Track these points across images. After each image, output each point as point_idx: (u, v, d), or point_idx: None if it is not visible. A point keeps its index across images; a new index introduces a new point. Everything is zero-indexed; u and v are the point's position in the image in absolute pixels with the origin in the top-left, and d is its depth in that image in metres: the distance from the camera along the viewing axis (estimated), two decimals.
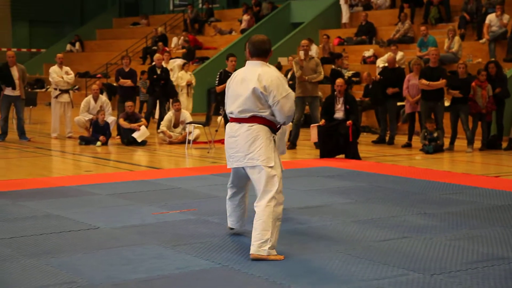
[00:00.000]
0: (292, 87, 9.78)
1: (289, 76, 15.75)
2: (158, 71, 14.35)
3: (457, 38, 15.77)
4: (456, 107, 11.94)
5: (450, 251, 5.24)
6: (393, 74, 12.98)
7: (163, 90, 14.37)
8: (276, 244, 5.06)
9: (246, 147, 5.14)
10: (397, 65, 13.71)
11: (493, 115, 12.26)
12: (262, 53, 5.23)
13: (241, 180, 5.52)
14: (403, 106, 13.99)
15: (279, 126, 5.32)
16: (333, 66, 15.52)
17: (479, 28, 16.56)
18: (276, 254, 5.02)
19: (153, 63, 15.12)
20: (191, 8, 25.64)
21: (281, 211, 5.10)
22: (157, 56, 14.97)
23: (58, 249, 5.29)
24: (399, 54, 16.15)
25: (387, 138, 12.98)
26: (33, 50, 29.91)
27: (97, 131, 12.90)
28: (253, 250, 5.00)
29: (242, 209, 5.71)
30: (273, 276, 4.59)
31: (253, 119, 5.14)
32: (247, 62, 5.37)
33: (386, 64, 13.47)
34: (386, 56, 16.28)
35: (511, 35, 15.54)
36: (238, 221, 5.74)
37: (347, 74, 16.31)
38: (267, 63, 5.27)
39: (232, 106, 5.25)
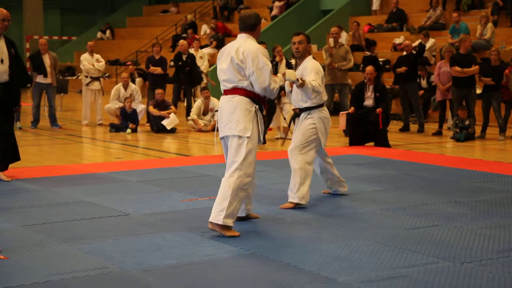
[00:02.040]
0: None
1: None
2: (184, 58, 14.35)
3: (490, 24, 15.53)
4: (488, 94, 11.78)
5: (481, 240, 5.19)
6: (408, 60, 12.76)
7: (188, 77, 14.37)
8: (236, 214, 5.26)
9: (226, 117, 5.38)
10: (414, 51, 13.40)
11: None
12: (247, 27, 5.49)
13: None
14: (429, 93, 13.87)
15: (266, 98, 5.47)
16: (367, 53, 15.35)
17: None
18: (230, 226, 5.22)
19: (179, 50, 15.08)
20: None
21: (247, 182, 5.27)
22: (181, 42, 14.89)
23: (89, 235, 5.35)
24: (430, 41, 15.96)
25: (412, 125, 12.85)
26: (65, 38, 30.18)
27: (126, 119, 12.99)
28: (211, 217, 5.25)
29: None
30: (302, 263, 4.59)
31: (234, 90, 5.36)
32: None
33: (405, 53, 13.34)
34: (416, 43, 16.13)
35: None
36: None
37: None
38: (253, 38, 5.46)
39: (219, 78, 5.51)
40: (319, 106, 6.52)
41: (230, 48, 5.49)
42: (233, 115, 5.32)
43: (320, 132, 6.46)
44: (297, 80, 6.19)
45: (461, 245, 5.06)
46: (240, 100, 5.33)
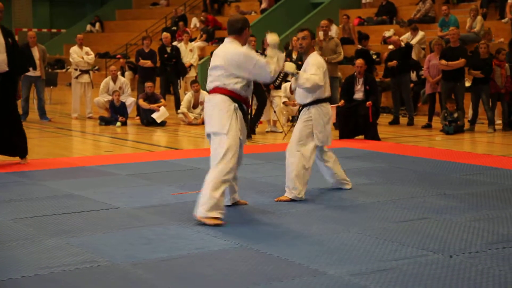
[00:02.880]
0: None
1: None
2: (168, 50, 14.31)
3: (479, 17, 15.57)
4: (477, 87, 11.82)
5: (470, 232, 5.22)
6: (399, 54, 12.88)
7: (174, 69, 14.34)
8: (220, 206, 5.42)
9: (208, 116, 5.68)
10: (403, 44, 13.61)
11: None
12: (234, 31, 5.68)
13: None
14: (418, 86, 13.91)
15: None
16: (359, 46, 15.35)
17: (502, 7, 16.33)
18: (215, 217, 5.38)
19: (173, 43, 15.03)
20: None
21: (228, 178, 5.46)
22: (164, 34, 14.86)
23: (78, 229, 5.34)
24: (420, 34, 16.00)
25: (401, 118, 12.91)
26: (54, 30, 30.03)
27: (115, 112, 12.96)
28: (196, 211, 5.46)
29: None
30: (292, 256, 4.60)
31: (215, 89, 5.63)
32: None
33: (392, 47, 13.43)
34: (406, 35, 16.16)
35: None
36: (225, 196, 5.80)
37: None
38: (237, 41, 5.65)
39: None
40: (320, 101, 6.47)
41: (217, 51, 5.77)
42: (213, 113, 5.60)
43: (315, 128, 6.41)
44: (297, 73, 6.20)
45: (450, 237, 5.08)
46: (219, 99, 5.59)
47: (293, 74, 6.20)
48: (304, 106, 6.52)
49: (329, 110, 6.58)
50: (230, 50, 5.62)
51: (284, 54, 5.90)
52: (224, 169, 5.45)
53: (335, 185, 6.85)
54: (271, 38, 5.73)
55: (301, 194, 6.31)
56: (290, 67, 6.08)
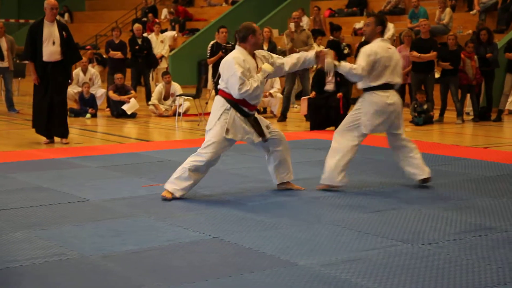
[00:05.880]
0: None
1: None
2: (139, 42, 14.23)
3: (448, 9, 15.71)
4: (446, 79, 11.94)
5: (439, 222, 5.28)
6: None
7: (145, 61, 14.27)
8: (181, 187, 5.96)
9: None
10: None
11: (482, 87, 12.30)
12: (239, 39, 6.11)
13: None
14: None
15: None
16: (331, 37, 15.40)
17: None
18: (172, 192, 6.00)
19: (146, 33, 14.94)
20: None
21: (199, 165, 5.97)
22: (136, 26, 14.78)
23: (47, 221, 5.29)
24: (390, 26, 16.04)
25: None
26: (22, 21, 29.56)
27: (85, 104, 12.83)
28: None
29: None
30: (263, 247, 4.61)
31: (219, 91, 6.16)
32: None
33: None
34: None
35: (502, 6, 15.51)
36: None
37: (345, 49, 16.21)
38: (243, 48, 6.05)
39: None
40: (371, 88, 6.36)
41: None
42: (211, 112, 6.18)
43: (364, 115, 6.35)
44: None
45: (419, 227, 5.14)
46: (216, 100, 6.15)
47: (268, 76, 6.14)
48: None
49: (380, 98, 6.34)
50: (230, 56, 6.07)
51: (265, 77, 6.07)
52: (198, 158, 6.00)
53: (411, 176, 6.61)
54: (266, 67, 6.04)
55: (335, 180, 6.32)
56: (267, 67, 6.09)
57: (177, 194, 5.99)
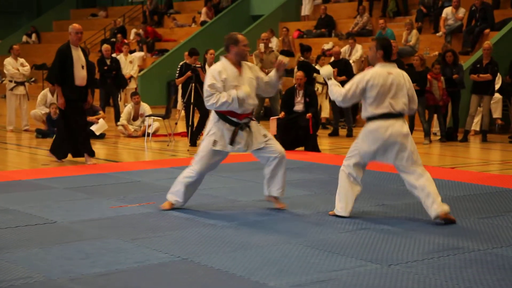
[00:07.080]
0: None
1: None
2: (108, 62, 14.21)
3: (414, 31, 15.96)
4: None
5: (407, 242, 5.32)
6: (339, 65, 13.41)
7: (114, 81, 14.25)
8: (180, 195, 6.30)
9: None
10: (341, 57, 14.27)
11: (448, 108, 12.48)
12: (225, 50, 6.31)
13: None
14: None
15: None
16: (301, 58, 15.52)
17: (436, 21, 16.79)
18: (172, 202, 6.37)
19: (115, 54, 14.91)
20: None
21: (189, 176, 6.25)
22: (105, 46, 14.80)
23: (14, 244, 5.20)
24: (358, 48, 16.26)
25: (341, 130, 13.11)
26: None
27: (53, 125, 12.70)
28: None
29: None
30: (233, 269, 4.60)
31: None
32: None
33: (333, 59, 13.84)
34: (345, 48, 16.40)
35: (467, 29, 15.80)
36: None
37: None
38: (227, 58, 6.25)
39: None
40: (368, 119, 6.09)
41: None
42: None
43: (361, 148, 6.11)
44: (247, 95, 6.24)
45: (388, 247, 5.17)
46: (211, 113, 6.32)
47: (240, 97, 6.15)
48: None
49: (374, 125, 6.00)
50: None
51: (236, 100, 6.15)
52: (190, 170, 6.31)
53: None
54: (245, 89, 6.11)
55: (342, 210, 6.13)
56: (246, 90, 6.16)
57: (179, 205, 6.37)
